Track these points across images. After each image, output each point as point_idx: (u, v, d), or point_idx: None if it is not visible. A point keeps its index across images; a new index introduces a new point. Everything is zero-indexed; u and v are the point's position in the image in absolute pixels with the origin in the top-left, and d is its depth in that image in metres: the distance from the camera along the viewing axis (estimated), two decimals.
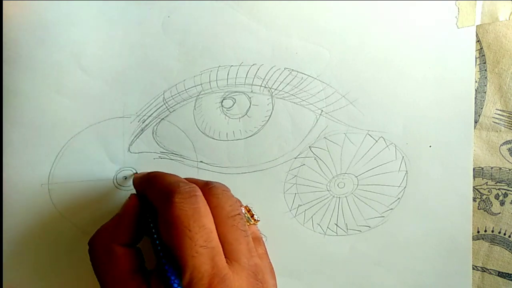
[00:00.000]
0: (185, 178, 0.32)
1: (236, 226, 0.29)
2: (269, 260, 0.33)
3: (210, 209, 0.29)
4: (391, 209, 0.37)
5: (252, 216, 0.33)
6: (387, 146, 0.37)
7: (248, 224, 0.32)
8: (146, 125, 0.36)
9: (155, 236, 0.30)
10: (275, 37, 0.36)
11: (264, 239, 0.35)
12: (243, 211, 0.32)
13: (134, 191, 0.33)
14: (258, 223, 0.35)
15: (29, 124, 0.35)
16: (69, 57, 0.35)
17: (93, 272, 0.35)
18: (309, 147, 0.37)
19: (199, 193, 0.29)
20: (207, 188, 0.30)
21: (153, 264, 0.30)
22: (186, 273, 0.27)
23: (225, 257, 0.28)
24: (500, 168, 0.37)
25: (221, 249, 0.28)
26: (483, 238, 0.38)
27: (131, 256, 0.30)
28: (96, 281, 0.36)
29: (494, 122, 0.37)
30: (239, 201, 0.33)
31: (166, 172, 0.33)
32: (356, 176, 0.37)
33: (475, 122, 0.37)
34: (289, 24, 0.36)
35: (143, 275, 0.30)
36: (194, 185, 0.29)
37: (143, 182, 0.32)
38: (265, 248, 0.33)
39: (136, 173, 0.36)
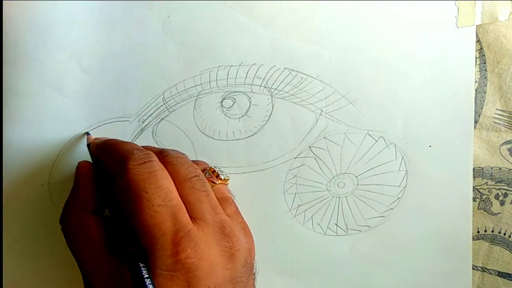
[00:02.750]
0: (142, 146, 0.32)
1: (195, 187, 0.29)
2: (242, 219, 0.32)
3: None
4: (391, 209, 0.37)
5: (218, 176, 0.33)
6: (387, 146, 0.37)
7: (214, 184, 0.32)
8: (146, 125, 0.36)
9: (112, 204, 0.29)
10: (275, 37, 0.36)
11: (234, 198, 0.35)
12: (206, 172, 0.32)
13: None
14: (228, 181, 0.34)
15: (29, 124, 0.35)
16: (69, 57, 0.35)
17: None
18: (309, 147, 0.37)
19: (154, 158, 0.29)
20: (162, 156, 0.30)
21: None
22: (145, 234, 0.26)
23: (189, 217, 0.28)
24: (500, 168, 0.37)
25: (183, 207, 0.28)
26: (483, 238, 0.38)
27: (101, 224, 0.30)
28: None
29: (494, 122, 0.37)
30: (204, 164, 0.34)
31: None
32: (356, 176, 0.37)
33: (475, 122, 0.37)
34: (289, 24, 0.36)
35: (114, 243, 0.29)
36: (149, 152, 0.29)
37: (99, 149, 0.32)
38: (236, 207, 0.33)
39: (89, 134, 0.35)
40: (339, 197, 0.37)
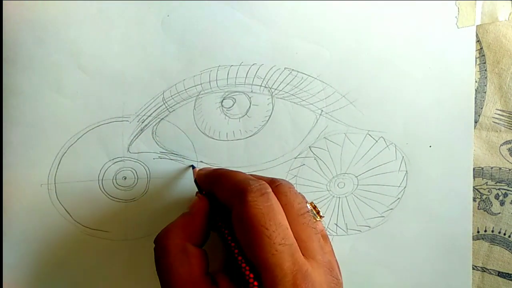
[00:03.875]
0: (251, 175, 0.31)
1: (307, 224, 0.29)
2: (335, 257, 0.32)
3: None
4: (391, 209, 0.37)
5: (318, 212, 0.32)
6: (387, 146, 0.37)
7: (315, 220, 0.31)
8: (146, 125, 0.36)
9: (227, 236, 0.29)
10: (275, 37, 0.36)
11: (330, 237, 0.35)
12: (309, 207, 0.32)
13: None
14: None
15: (29, 124, 0.34)
16: (68, 57, 0.35)
17: (93, 272, 0.35)
18: (309, 147, 0.37)
19: (270, 190, 0.28)
20: (274, 185, 0.29)
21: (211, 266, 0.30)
22: (267, 272, 0.26)
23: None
24: (500, 168, 0.37)
25: (297, 246, 0.28)
26: (483, 238, 0.38)
27: (203, 257, 0.30)
28: (96, 281, 0.36)
29: (494, 122, 0.37)
30: (304, 197, 0.33)
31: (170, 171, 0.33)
32: (356, 176, 0.37)
33: (475, 122, 0.37)
34: (289, 24, 0.35)
35: (212, 276, 0.29)
36: (264, 182, 0.29)
37: (209, 179, 0.32)
38: (331, 245, 0.33)
39: (194, 167, 0.36)
40: (339, 197, 0.37)
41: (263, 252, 0.26)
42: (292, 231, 0.28)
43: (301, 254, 0.27)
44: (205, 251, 0.30)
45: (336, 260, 0.32)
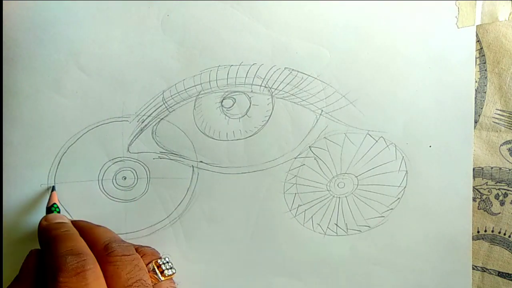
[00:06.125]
0: (97, 229, 0.31)
1: None
2: None
3: (106, 278, 0.28)
4: (391, 209, 0.37)
5: (162, 272, 0.32)
6: (387, 146, 0.37)
7: (157, 282, 0.31)
8: (146, 125, 0.36)
9: None
10: (275, 37, 0.36)
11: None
12: (152, 267, 0.31)
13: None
14: (174, 275, 0.33)
15: (29, 124, 0.34)
16: (67, 57, 0.35)
17: None
18: (309, 147, 0.37)
19: (90, 266, 0.28)
20: (105, 253, 0.29)
21: None
22: None
23: None
24: (500, 168, 0.37)
25: None
26: (483, 238, 0.38)
27: None
28: None
29: (494, 122, 0.37)
30: (152, 253, 0.32)
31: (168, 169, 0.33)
32: (356, 176, 0.37)
33: (475, 122, 0.37)
34: (290, 24, 0.35)
35: None
36: (85, 258, 0.28)
37: (41, 239, 0.31)
38: None
39: (54, 190, 0.35)
40: (339, 197, 0.37)
41: None
42: None
43: None
44: None
45: None
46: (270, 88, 0.36)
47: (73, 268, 0.27)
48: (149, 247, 0.34)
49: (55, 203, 0.34)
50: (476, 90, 0.37)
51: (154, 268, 0.31)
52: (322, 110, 0.36)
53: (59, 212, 0.34)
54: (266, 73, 0.36)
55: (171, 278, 0.32)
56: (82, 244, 0.29)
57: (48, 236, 0.30)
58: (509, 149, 0.37)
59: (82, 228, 0.32)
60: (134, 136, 0.36)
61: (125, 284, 0.28)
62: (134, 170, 0.36)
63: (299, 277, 0.37)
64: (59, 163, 0.35)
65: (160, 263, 0.32)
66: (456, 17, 0.36)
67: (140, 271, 0.29)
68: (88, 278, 0.27)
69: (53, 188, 0.35)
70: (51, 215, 0.33)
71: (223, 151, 0.36)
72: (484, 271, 0.38)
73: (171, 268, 0.32)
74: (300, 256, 0.37)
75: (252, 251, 0.37)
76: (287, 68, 0.36)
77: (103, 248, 0.29)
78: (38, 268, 0.30)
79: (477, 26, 0.36)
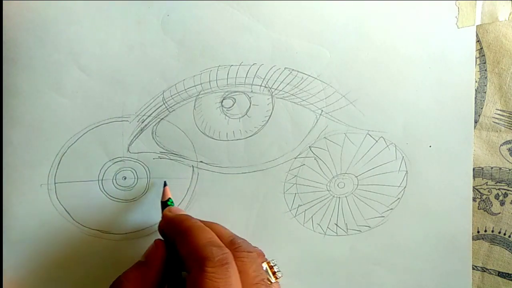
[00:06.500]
0: (212, 227, 0.31)
1: None
2: None
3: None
4: (391, 209, 0.37)
5: (274, 273, 0.32)
6: (387, 146, 0.37)
7: (270, 283, 0.31)
8: (146, 125, 0.36)
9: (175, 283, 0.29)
10: (275, 37, 0.36)
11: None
12: (265, 267, 0.31)
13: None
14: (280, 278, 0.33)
15: (29, 124, 0.34)
16: (67, 57, 0.35)
17: (93, 272, 0.35)
18: (309, 147, 0.37)
19: (231, 260, 0.28)
20: (233, 247, 0.29)
21: None
22: None
23: None
24: (500, 168, 0.37)
25: None
26: (483, 238, 0.38)
27: None
28: (96, 280, 0.36)
29: (494, 122, 0.37)
30: (262, 255, 0.32)
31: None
32: (356, 176, 0.37)
33: (475, 122, 0.37)
34: (290, 24, 0.35)
35: None
36: (227, 251, 0.28)
37: (172, 230, 0.31)
38: None
39: (166, 185, 0.35)
40: (339, 197, 0.37)
41: None
42: None
43: None
44: None
45: None
46: (270, 88, 0.36)
47: (219, 260, 0.27)
48: (257, 247, 0.34)
49: (170, 198, 0.35)
50: (476, 90, 0.37)
51: (267, 269, 0.31)
52: (322, 110, 0.36)
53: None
54: (266, 73, 0.36)
55: (278, 282, 0.32)
56: (216, 237, 0.30)
57: (183, 226, 0.31)
58: (509, 149, 0.37)
59: (203, 222, 0.32)
60: (134, 136, 0.36)
61: (252, 281, 0.28)
62: (134, 170, 0.36)
63: (299, 276, 0.37)
64: (59, 163, 0.35)
65: (272, 264, 0.32)
66: (456, 17, 0.36)
67: (262, 271, 0.30)
68: (230, 271, 0.27)
69: (165, 183, 0.35)
70: (173, 207, 0.34)
71: (223, 151, 0.36)
72: (484, 271, 0.38)
73: (279, 271, 0.32)
74: (300, 256, 0.37)
75: None
76: (287, 68, 0.36)
77: (230, 242, 0.30)
78: (164, 257, 0.30)
79: (477, 26, 0.36)
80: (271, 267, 0.32)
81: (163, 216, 0.33)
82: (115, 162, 0.35)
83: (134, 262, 0.30)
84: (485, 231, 0.38)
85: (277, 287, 0.32)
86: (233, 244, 0.30)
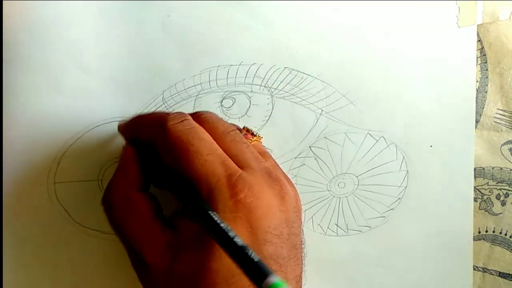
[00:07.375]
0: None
1: (235, 140, 0.29)
2: (282, 171, 0.32)
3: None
4: (392, 209, 0.37)
5: (252, 133, 0.33)
6: (388, 146, 0.37)
7: (250, 141, 0.32)
8: None
9: (159, 175, 0.30)
10: (275, 37, 0.36)
11: (270, 152, 0.35)
12: (242, 132, 0.33)
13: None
14: (261, 139, 0.34)
15: (29, 124, 0.35)
16: (68, 57, 0.35)
17: (93, 271, 0.35)
18: (309, 147, 0.37)
19: (190, 117, 0.29)
20: (196, 116, 0.30)
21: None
22: (201, 182, 0.27)
23: None
24: (501, 168, 0.37)
25: (227, 157, 0.28)
26: (484, 239, 0.38)
27: (149, 200, 0.30)
28: (96, 280, 0.36)
29: (495, 122, 0.37)
30: (235, 125, 0.33)
31: None
32: (357, 176, 0.37)
33: (476, 122, 0.37)
34: (289, 24, 0.35)
35: (163, 219, 0.29)
36: (184, 112, 0.30)
37: (128, 126, 0.32)
38: (274, 161, 0.33)
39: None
40: (340, 197, 0.37)
41: (193, 165, 0.27)
42: (222, 149, 0.28)
43: (232, 162, 0.28)
44: (152, 194, 0.30)
45: (283, 173, 0.31)
46: (270, 87, 0.36)
47: (178, 117, 0.29)
48: None
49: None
50: (477, 90, 0.37)
51: (243, 132, 0.33)
52: (322, 110, 0.36)
53: None
54: (266, 73, 0.36)
55: (260, 142, 0.34)
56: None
57: (137, 116, 0.32)
58: (510, 149, 0.37)
59: None
60: None
61: (224, 132, 0.29)
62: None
63: None
64: (59, 163, 0.35)
65: (249, 127, 0.34)
66: (456, 16, 0.36)
67: (232, 125, 0.31)
68: (193, 123, 0.29)
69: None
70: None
71: None
72: (485, 272, 0.38)
73: (257, 132, 0.34)
74: None
75: None
76: (287, 67, 0.36)
77: (192, 114, 0.30)
78: (136, 154, 0.31)
79: (478, 25, 0.36)
80: (247, 130, 0.33)
81: (119, 124, 0.33)
82: (115, 162, 0.35)
83: None
84: (486, 231, 0.38)
85: (258, 145, 0.33)
86: (195, 114, 0.30)
